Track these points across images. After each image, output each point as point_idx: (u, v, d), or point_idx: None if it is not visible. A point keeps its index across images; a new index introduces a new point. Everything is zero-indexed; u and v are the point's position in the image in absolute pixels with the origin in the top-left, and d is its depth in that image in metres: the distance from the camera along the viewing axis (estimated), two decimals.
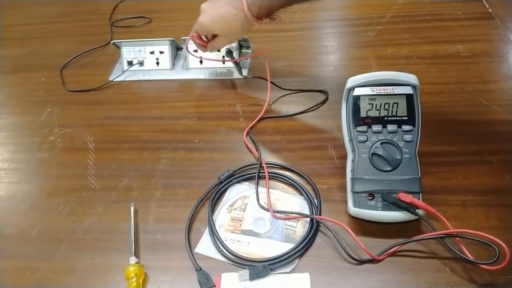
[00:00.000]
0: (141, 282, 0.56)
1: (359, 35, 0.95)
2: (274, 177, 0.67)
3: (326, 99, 0.79)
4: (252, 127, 0.76)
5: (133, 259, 0.57)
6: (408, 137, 0.58)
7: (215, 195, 0.65)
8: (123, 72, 0.89)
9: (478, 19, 0.94)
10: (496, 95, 0.76)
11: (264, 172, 0.67)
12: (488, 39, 0.90)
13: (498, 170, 0.65)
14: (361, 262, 0.56)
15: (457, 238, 0.55)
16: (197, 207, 0.64)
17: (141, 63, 0.90)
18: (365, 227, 0.59)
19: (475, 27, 0.92)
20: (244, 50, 0.92)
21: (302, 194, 0.64)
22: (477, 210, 0.60)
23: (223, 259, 0.58)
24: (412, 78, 0.59)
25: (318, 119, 0.77)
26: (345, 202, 0.61)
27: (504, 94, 0.77)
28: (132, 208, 0.63)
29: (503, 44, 0.88)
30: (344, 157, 0.64)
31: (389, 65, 0.85)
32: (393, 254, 0.56)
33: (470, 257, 0.53)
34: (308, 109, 0.78)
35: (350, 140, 0.60)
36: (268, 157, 0.70)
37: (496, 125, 0.72)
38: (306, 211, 0.62)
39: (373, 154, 0.58)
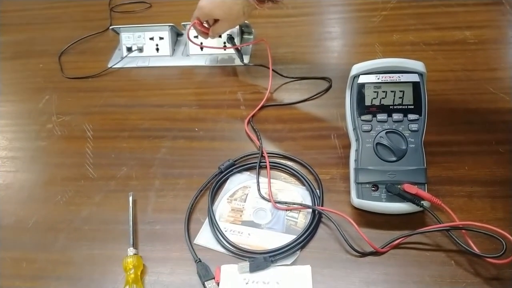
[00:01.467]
0: (139, 273, 0.55)
1: (364, 21, 0.93)
2: (275, 167, 0.66)
3: (330, 87, 0.78)
4: (253, 115, 0.74)
5: (131, 250, 0.56)
6: (414, 126, 0.57)
7: (215, 185, 0.64)
8: (122, 58, 0.87)
9: (486, 4, 0.92)
10: (504, 83, 0.74)
11: (265, 162, 0.65)
12: (496, 25, 0.87)
13: (506, 161, 0.63)
14: (364, 254, 0.55)
15: (463, 231, 0.53)
16: (196, 197, 0.62)
17: (140, 50, 0.88)
18: (368, 218, 0.58)
19: (483, 12, 0.90)
20: (246, 36, 0.90)
21: (304, 185, 0.63)
22: (483, 202, 0.59)
23: (223, 250, 0.57)
24: (419, 65, 0.57)
25: (321, 108, 0.75)
26: (348, 192, 0.59)
27: None
28: (130, 198, 0.62)
29: (511, 30, 0.85)
30: (348, 147, 0.62)
31: (394, 51, 0.83)
32: (397, 247, 0.55)
33: (476, 250, 0.51)
34: (311, 97, 0.76)
35: (354, 129, 0.58)
36: (270, 146, 0.69)
37: (504, 114, 0.70)
38: (308, 202, 0.61)
39: (377, 144, 0.57)
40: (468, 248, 0.52)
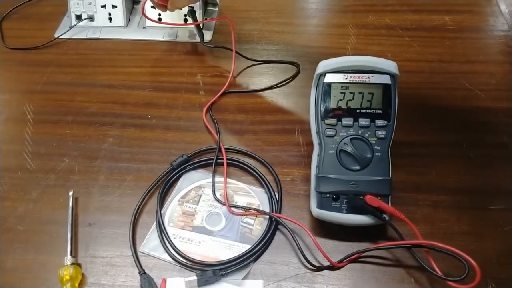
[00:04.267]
0: (76, 285, 0.50)
1: None
2: (233, 164, 0.61)
3: (297, 73, 0.72)
4: (213, 102, 0.68)
5: (68, 259, 0.51)
6: (381, 133, 0.52)
7: (166, 184, 0.58)
8: (71, 28, 0.79)
9: None
10: (481, 78, 0.70)
11: (222, 159, 0.60)
12: (478, 10, 0.82)
13: (475, 167, 0.60)
14: (319, 268, 0.51)
15: (425, 249, 0.50)
16: (145, 197, 0.57)
17: (91, 18, 0.79)
18: (328, 228, 0.54)
19: None
20: (210, 8, 0.82)
21: (262, 187, 0.58)
22: (448, 213, 0.56)
23: (170, 260, 0.52)
24: (391, 66, 0.52)
25: (287, 97, 0.69)
26: (308, 196, 0.55)
27: (489, 77, 0.70)
28: (71, 197, 0.56)
29: (493, 17, 0.80)
30: (312, 144, 0.57)
31: (368, 35, 0.77)
32: (354, 261, 0.52)
33: (438, 271, 0.49)
34: (276, 84, 0.70)
35: (318, 132, 0.53)
36: (229, 140, 0.63)
37: (478, 114, 0.66)
38: (266, 206, 0.57)
39: (341, 150, 0.52)
40: (429, 269, 0.49)
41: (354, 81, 0.52)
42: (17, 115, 0.67)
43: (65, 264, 0.51)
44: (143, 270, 0.51)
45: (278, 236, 0.54)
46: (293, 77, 0.71)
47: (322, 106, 0.53)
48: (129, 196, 0.58)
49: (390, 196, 0.52)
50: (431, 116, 0.66)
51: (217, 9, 0.82)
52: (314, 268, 0.51)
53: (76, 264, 0.51)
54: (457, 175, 0.59)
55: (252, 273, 0.51)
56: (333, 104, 0.52)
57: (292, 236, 0.53)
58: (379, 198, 0.51)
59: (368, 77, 0.52)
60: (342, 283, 0.51)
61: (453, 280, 0.47)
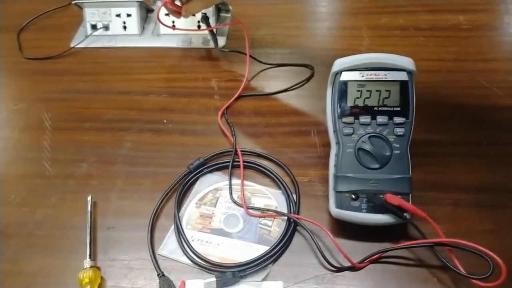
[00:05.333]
0: None
1: (351, 0, 0.86)
2: (250, 166, 0.60)
3: (312, 76, 0.72)
4: (228, 106, 0.68)
5: (88, 262, 0.51)
6: (399, 130, 0.51)
7: (183, 187, 0.58)
8: (86, 37, 0.80)
9: None
10: (498, 76, 0.69)
11: (239, 161, 0.60)
12: (492, 9, 0.81)
13: (495, 165, 0.59)
14: (340, 269, 0.51)
15: (448, 247, 0.49)
16: (162, 201, 0.57)
17: (106, 27, 0.80)
18: (347, 228, 0.53)
19: None
20: (222, 15, 0.82)
21: (280, 188, 0.58)
22: (470, 211, 0.54)
23: (189, 262, 0.52)
24: (408, 63, 0.52)
25: (302, 99, 0.69)
26: (327, 197, 0.55)
27: (507, 75, 0.69)
28: (89, 201, 0.57)
29: (508, 15, 0.79)
30: (328, 145, 0.56)
31: (382, 36, 0.77)
32: (376, 261, 0.51)
33: (462, 270, 0.47)
34: (291, 87, 0.70)
35: (335, 131, 0.53)
36: (245, 143, 0.63)
37: (496, 111, 0.65)
38: (284, 207, 0.56)
39: (359, 149, 0.52)
40: (453, 267, 0.48)
41: (371, 79, 0.52)
42: (35, 123, 0.68)
43: (84, 267, 0.51)
44: (162, 272, 0.51)
45: (296, 238, 0.54)
46: (308, 79, 0.71)
47: (339, 104, 0.52)
48: (146, 200, 0.58)
49: (410, 195, 0.51)
50: (448, 115, 0.65)
51: (229, 15, 0.82)
52: (334, 269, 0.51)
53: (95, 267, 0.51)
54: (478, 174, 0.58)
55: (271, 275, 0.51)
56: (350, 102, 0.52)
57: (311, 237, 0.52)
58: (399, 196, 0.50)
59: (385, 74, 0.52)
60: (363, 283, 0.50)
61: (478, 278, 0.46)
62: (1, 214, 0.58)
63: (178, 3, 0.72)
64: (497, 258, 0.45)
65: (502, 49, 0.74)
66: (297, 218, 0.54)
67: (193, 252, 0.52)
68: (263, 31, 0.80)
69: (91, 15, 0.80)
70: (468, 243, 0.47)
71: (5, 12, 0.89)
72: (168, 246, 0.53)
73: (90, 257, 0.52)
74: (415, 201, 0.52)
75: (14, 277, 0.52)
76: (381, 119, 0.52)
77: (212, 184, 0.59)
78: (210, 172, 0.60)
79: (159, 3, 0.77)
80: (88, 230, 0.54)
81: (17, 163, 0.64)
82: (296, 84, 0.71)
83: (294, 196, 0.57)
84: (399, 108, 0.52)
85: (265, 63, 0.73)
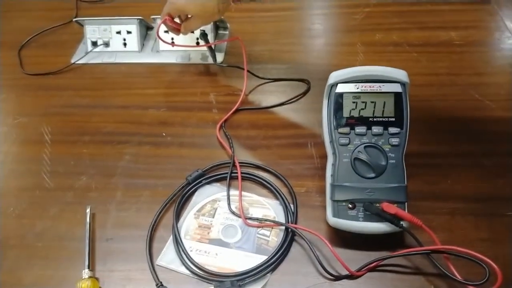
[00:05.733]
0: None
1: (346, 18, 0.88)
2: (247, 178, 0.61)
3: (308, 90, 0.73)
4: (226, 119, 0.69)
5: (86, 273, 0.51)
6: (394, 140, 0.52)
7: (182, 199, 0.59)
8: (87, 53, 0.81)
9: (473, 3, 0.88)
10: (490, 89, 0.71)
11: (237, 172, 0.61)
12: (484, 26, 0.83)
13: (490, 175, 0.60)
14: (337, 278, 0.51)
15: (444, 255, 0.50)
16: (161, 212, 0.58)
17: (106, 44, 0.82)
18: (344, 237, 0.54)
19: (470, 12, 0.86)
20: (220, 32, 0.84)
21: (277, 199, 0.58)
22: (466, 220, 0.55)
23: (187, 272, 0.52)
24: (401, 75, 0.53)
25: (298, 112, 0.70)
26: (324, 207, 0.55)
27: (498, 88, 0.71)
28: (88, 213, 0.57)
29: (499, 32, 0.82)
30: (325, 156, 0.57)
31: (376, 52, 0.79)
32: (373, 269, 0.51)
33: (458, 276, 0.48)
34: (288, 101, 0.72)
35: (331, 142, 0.54)
36: (242, 155, 0.64)
37: (489, 124, 0.66)
38: (281, 217, 0.57)
39: (355, 159, 0.52)
40: (449, 274, 0.48)
41: (366, 91, 0.53)
42: (35, 137, 0.69)
43: (83, 277, 0.51)
44: (161, 282, 0.51)
45: (294, 247, 0.54)
46: (304, 93, 0.73)
47: (334, 115, 0.54)
48: (145, 211, 0.58)
49: (406, 204, 0.52)
50: (443, 127, 0.66)
51: (227, 32, 0.84)
52: (332, 277, 0.51)
53: (94, 278, 0.52)
54: (473, 183, 0.59)
55: (270, 284, 0.51)
56: (345, 113, 0.53)
57: (309, 246, 0.53)
58: (396, 205, 0.51)
59: (379, 86, 0.53)
60: None
61: (474, 285, 0.46)
62: (1, 226, 0.58)
63: (177, 20, 0.74)
64: (493, 264, 0.45)
65: (493, 63, 0.76)
66: (295, 228, 0.54)
67: (191, 262, 0.53)
68: (260, 47, 0.81)
69: (91, 32, 0.82)
70: (464, 249, 0.47)
71: (6, 29, 0.91)
72: (167, 257, 0.54)
73: (88, 268, 0.52)
74: (412, 210, 0.52)
75: (12, 287, 0.52)
76: (376, 129, 0.53)
77: (210, 195, 0.60)
78: (208, 183, 0.61)
79: (158, 21, 0.79)
80: (87, 241, 0.55)
81: (17, 176, 0.64)
82: (293, 98, 0.72)
83: (292, 206, 0.57)
84: (393, 119, 0.53)
85: (262, 78, 0.75)
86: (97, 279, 0.52)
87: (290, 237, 0.54)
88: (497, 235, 0.54)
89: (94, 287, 0.50)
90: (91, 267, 0.53)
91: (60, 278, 0.53)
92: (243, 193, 0.59)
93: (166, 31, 0.78)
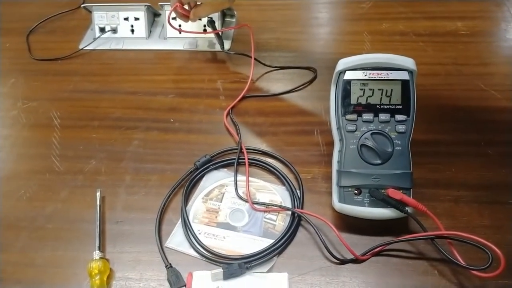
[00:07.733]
0: (105, 279, 0.51)
1: (353, 7, 0.88)
2: (254, 164, 0.62)
3: (315, 78, 0.74)
4: (233, 106, 0.70)
5: (97, 254, 0.53)
6: (401, 128, 0.53)
7: (190, 183, 0.60)
8: (95, 39, 0.82)
9: None
10: (496, 79, 0.71)
11: (244, 158, 0.62)
12: (490, 16, 0.84)
13: (494, 163, 0.60)
14: (343, 261, 0.52)
15: (448, 240, 0.51)
16: (169, 195, 0.59)
17: (114, 30, 0.82)
18: (350, 222, 0.55)
19: (476, 2, 0.86)
20: (228, 19, 0.84)
21: (284, 184, 0.59)
22: (470, 207, 0.56)
23: (196, 254, 0.53)
24: (409, 63, 0.54)
25: (305, 100, 0.71)
26: (330, 194, 0.56)
27: (504, 78, 0.71)
28: (98, 195, 0.58)
29: (505, 22, 0.82)
30: (331, 144, 0.58)
31: (383, 41, 0.79)
32: (378, 254, 0.52)
33: (461, 261, 0.49)
34: (295, 88, 0.72)
35: (338, 128, 0.55)
36: (249, 141, 0.65)
37: (494, 113, 0.67)
38: (288, 202, 0.58)
39: (362, 145, 0.53)
40: (453, 259, 0.50)
41: (373, 78, 0.54)
42: (45, 121, 0.70)
43: (94, 258, 0.52)
44: (170, 264, 0.52)
45: (300, 232, 0.55)
46: (311, 81, 0.73)
47: (342, 102, 0.54)
48: (154, 195, 0.59)
49: (411, 190, 0.53)
50: (448, 116, 0.67)
51: (234, 20, 0.84)
52: (338, 261, 0.52)
53: (105, 259, 0.53)
54: (477, 172, 0.60)
55: (276, 267, 0.52)
56: (353, 100, 0.54)
57: (315, 230, 0.54)
58: (401, 191, 0.52)
59: (387, 74, 0.54)
60: (366, 275, 0.51)
61: (477, 269, 0.47)
62: (12, 209, 0.59)
63: (186, 7, 0.74)
64: (496, 249, 0.46)
65: (499, 54, 0.77)
66: (301, 212, 0.55)
67: (200, 245, 0.54)
68: (267, 35, 0.82)
69: (99, 18, 0.82)
70: (467, 235, 0.48)
71: (14, 15, 0.91)
72: (176, 239, 0.55)
73: (99, 249, 0.53)
74: (416, 197, 0.53)
75: (25, 267, 0.54)
76: (383, 116, 0.53)
77: (218, 180, 0.61)
78: (216, 169, 0.62)
79: (166, 8, 0.80)
80: (97, 223, 0.56)
81: (27, 160, 0.65)
82: (299, 86, 0.73)
83: (298, 192, 0.58)
84: (400, 106, 0.54)
85: (269, 66, 0.75)
86: (107, 260, 0.53)
87: (296, 222, 0.55)
88: (500, 222, 0.55)
89: (105, 268, 0.52)
90: (102, 248, 0.54)
91: (71, 259, 0.54)
92: (250, 178, 0.60)
93: (173, 18, 0.79)
